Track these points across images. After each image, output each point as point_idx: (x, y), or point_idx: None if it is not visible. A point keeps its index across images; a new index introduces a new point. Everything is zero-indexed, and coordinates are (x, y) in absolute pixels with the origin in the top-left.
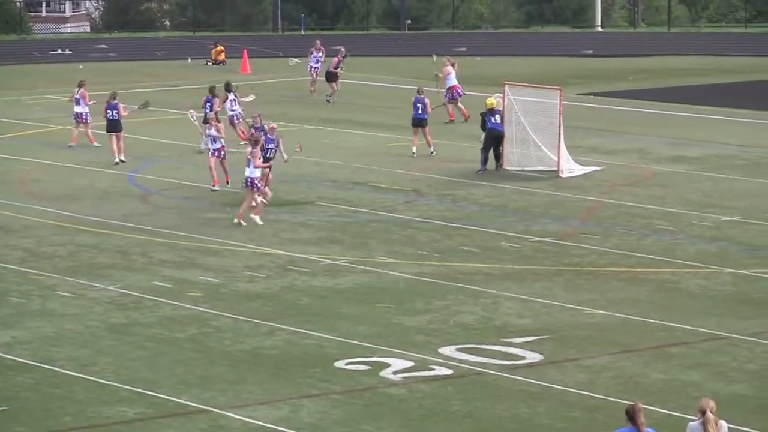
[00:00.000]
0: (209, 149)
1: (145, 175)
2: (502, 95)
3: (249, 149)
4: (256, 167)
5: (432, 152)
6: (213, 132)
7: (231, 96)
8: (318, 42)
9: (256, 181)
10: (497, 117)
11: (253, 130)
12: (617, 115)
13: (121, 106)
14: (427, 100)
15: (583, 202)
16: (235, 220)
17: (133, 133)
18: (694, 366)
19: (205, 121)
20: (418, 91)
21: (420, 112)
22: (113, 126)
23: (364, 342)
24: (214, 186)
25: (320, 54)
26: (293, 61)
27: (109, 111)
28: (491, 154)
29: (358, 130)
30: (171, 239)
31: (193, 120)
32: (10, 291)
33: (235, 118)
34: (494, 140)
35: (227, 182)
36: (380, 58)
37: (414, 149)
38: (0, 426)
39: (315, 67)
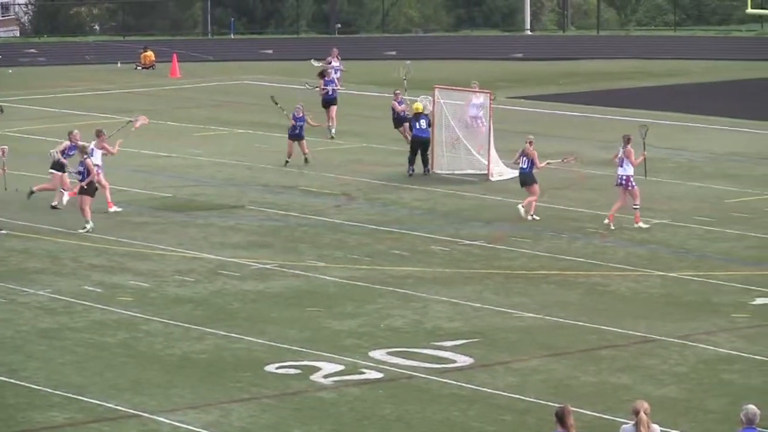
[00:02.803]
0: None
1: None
2: (430, 98)
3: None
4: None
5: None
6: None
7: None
8: (335, 50)
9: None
10: (423, 122)
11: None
12: (547, 119)
13: None
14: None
15: (513, 206)
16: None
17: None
18: (624, 369)
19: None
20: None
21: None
22: None
23: (294, 346)
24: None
25: (338, 63)
26: (316, 63)
27: None
28: (419, 158)
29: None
30: (101, 244)
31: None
32: None
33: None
34: (419, 146)
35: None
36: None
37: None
38: None
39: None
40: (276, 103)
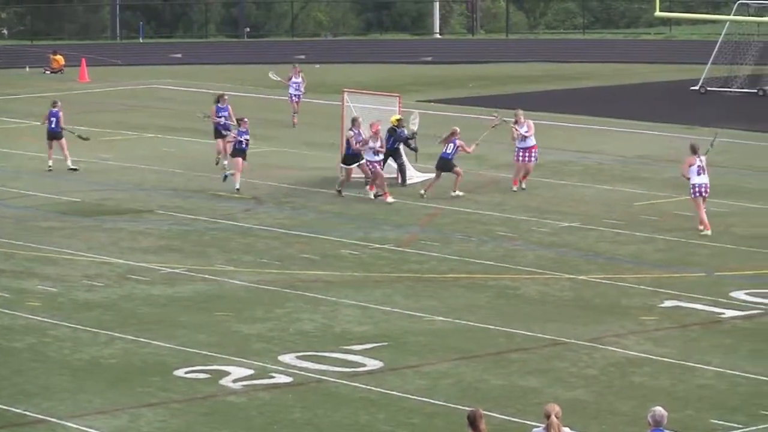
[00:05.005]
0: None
1: None
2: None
3: None
4: None
5: (72, 168)
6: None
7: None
8: (297, 67)
9: None
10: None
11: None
12: (456, 122)
13: None
14: (61, 113)
15: (423, 209)
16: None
17: None
18: (534, 372)
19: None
20: (53, 104)
21: (53, 125)
22: None
23: (203, 350)
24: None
25: (300, 80)
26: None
27: None
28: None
29: (197, 138)
30: (8, 248)
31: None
32: None
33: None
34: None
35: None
36: (219, 66)
37: (50, 162)
38: None
39: (296, 95)
40: (205, 116)
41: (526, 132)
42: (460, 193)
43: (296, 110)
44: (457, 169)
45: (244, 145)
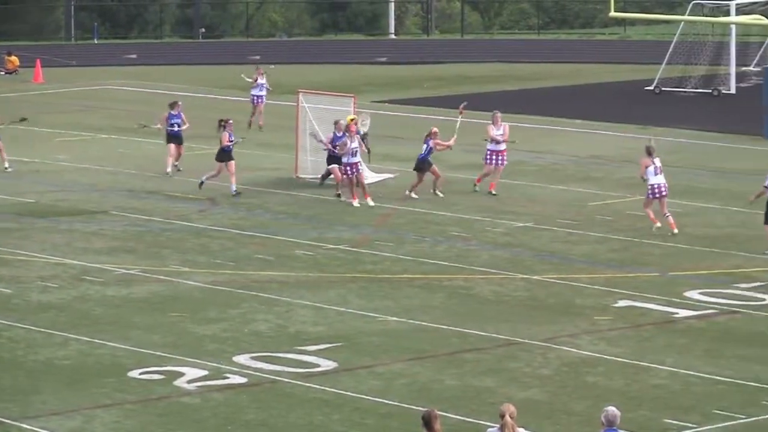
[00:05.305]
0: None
1: None
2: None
3: None
4: None
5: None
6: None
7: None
8: (260, 68)
9: None
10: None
11: None
12: (411, 123)
13: None
14: None
15: (377, 210)
16: None
17: None
18: (488, 372)
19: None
20: None
21: None
22: None
23: (158, 351)
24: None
25: (264, 81)
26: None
27: None
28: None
29: (152, 140)
30: None
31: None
32: None
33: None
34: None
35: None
36: (175, 67)
37: None
38: None
39: (260, 97)
40: (143, 126)
41: (501, 135)
42: (441, 194)
43: (261, 111)
44: (434, 168)
45: (230, 147)
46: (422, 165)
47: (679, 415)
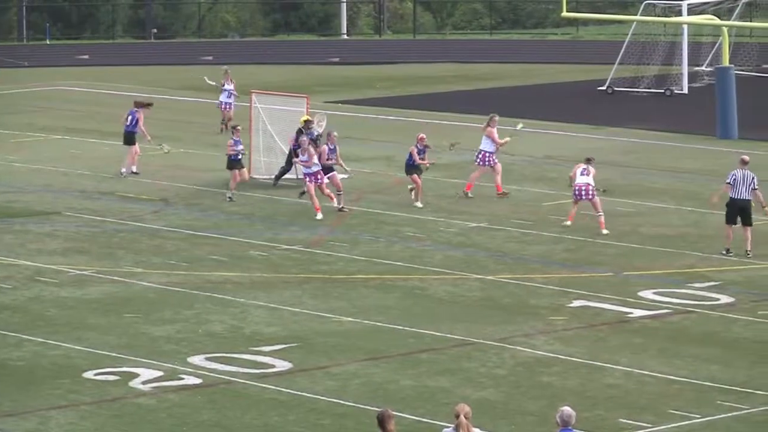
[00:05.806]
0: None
1: None
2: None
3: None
4: None
5: None
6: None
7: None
8: (228, 73)
9: None
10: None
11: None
12: (364, 123)
13: None
14: None
15: (332, 210)
16: None
17: None
18: (443, 372)
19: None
20: None
21: None
22: None
23: (112, 352)
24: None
25: (232, 87)
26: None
27: None
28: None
29: (105, 140)
30: None
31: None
32: None
33: None
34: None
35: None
36: (127, 67)
37: None
38: None
39: (227, 103)
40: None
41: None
42: (419, 205)
43: (230, 117)
44: (415, 176)
45: (239, 156)
46: (412, 169)
47: (634, 414)
